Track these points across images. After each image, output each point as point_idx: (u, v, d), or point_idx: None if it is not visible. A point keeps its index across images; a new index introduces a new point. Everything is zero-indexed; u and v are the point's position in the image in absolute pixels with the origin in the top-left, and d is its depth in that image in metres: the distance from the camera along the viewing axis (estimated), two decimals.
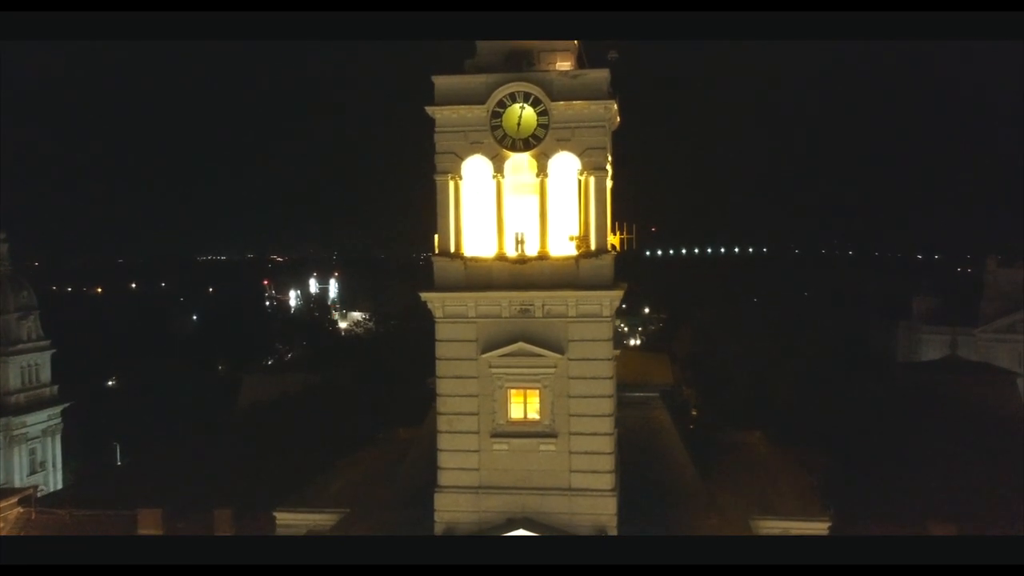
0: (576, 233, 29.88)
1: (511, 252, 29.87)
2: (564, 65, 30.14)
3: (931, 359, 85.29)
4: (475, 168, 30.47)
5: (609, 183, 30.76)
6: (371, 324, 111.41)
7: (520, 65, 29.91)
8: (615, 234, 30.96)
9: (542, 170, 29.73)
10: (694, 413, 76.67)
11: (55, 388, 76.35)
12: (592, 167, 29.46)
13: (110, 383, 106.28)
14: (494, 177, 30.01)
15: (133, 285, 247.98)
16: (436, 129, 30.09)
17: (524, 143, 29.61)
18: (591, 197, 29.55)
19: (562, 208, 30.62)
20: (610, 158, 30.59)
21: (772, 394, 78.54)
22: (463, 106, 29.71)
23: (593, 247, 29.50)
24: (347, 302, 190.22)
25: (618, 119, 31.61)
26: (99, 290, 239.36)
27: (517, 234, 29.81)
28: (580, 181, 29.92)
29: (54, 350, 76.40)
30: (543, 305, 29.34)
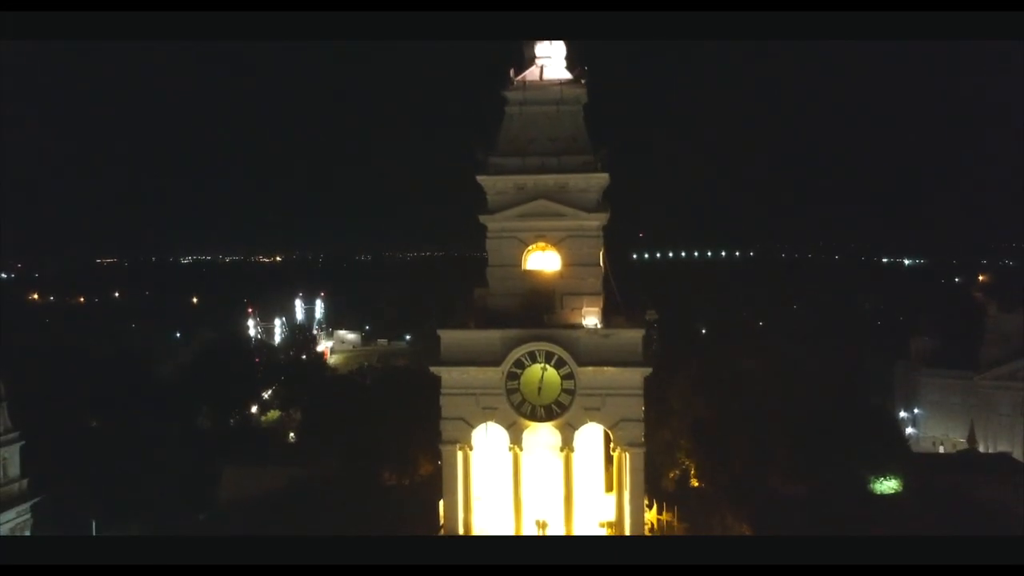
0: (608, 519, 25.56)
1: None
2: (591, 312, 25.61)
3: (947, 452, 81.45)
4: (488, 435, 26.09)
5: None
6: (358, 377, 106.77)
7: (539, 316, 25.38)
8: (650, 507, 26.65)
9: (567, 444, 25.26)
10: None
11: (24, 483, 71.27)
12: (626, 442, 25.02)
13: (92, 423, 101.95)
14: (510, 449, 25.58)
15: (117, 294, 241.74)
16: (442, 391, 25.61)
17: (546, 411, 25.13)
18: (625, 476, 25.14)
19: (589, 475, 26.30)
20: (643, 409, 26.05)
21: (777, 477, 75.56)
22: (474, 367, 25.26)
23: (628, 533, 25.17)
24: (334, 320, 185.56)
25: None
26: (81, 300, 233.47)
27: (538, 521, 25.34)
28: (613, 457, 25.56)
29: (23, 442, 71.49)
30: None
